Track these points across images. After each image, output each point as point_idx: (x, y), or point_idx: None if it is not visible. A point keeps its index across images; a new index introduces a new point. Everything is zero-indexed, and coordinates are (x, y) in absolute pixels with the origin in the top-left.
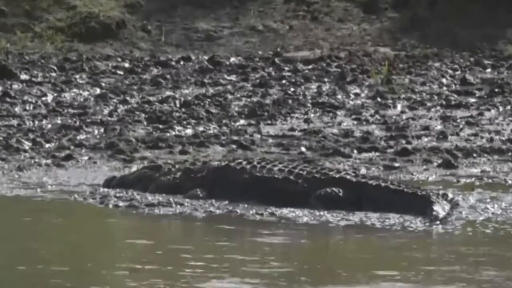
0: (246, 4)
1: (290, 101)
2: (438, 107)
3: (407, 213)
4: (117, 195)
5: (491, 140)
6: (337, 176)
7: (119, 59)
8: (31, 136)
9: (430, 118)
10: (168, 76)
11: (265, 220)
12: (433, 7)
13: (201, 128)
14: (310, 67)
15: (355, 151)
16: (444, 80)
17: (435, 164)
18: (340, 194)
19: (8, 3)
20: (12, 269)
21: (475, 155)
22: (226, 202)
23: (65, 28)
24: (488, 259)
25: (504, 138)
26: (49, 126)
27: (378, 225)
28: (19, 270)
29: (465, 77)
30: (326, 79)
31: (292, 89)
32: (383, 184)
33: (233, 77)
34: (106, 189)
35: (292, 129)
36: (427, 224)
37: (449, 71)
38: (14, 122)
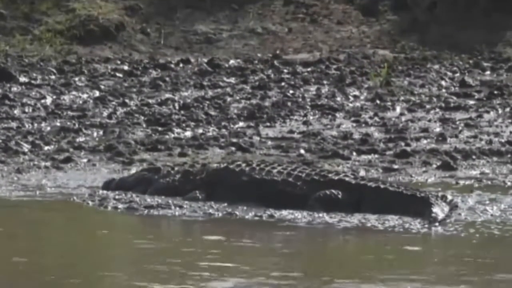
0: (245, 7)
1: (289, 104)
2: (437, 109)
3: (406, 215)
4: (116, 197)
5: (490, 142)
6: (336, 178)
7: (118, 62)
8: (30, 138)
9: (429, 120)
10: (167, 79)
11: (264, 222)
12: (432, 10)
13: (200, 131)
14: (309, 69)
15: (354, 153)
16: (443, 82)
17: (434, 166)
18: (339, 196)
19: (7, 6)
20: (11, 270)
21: (474, 157)
22: (225, 204)
23: (64, 31)
24: (487, 260)
25: (503, 140)
26: (48, 128)
27: (377, 227)
28: (18, 271)
29: (464, 79)
30: (325, 82)
31: (291, 92)
32: (382, 186)
33: (232, 80)
34: (105, 191)
35: (291, 131)
36: (426, 226)
37: (448, 73)
38: (13, 124)
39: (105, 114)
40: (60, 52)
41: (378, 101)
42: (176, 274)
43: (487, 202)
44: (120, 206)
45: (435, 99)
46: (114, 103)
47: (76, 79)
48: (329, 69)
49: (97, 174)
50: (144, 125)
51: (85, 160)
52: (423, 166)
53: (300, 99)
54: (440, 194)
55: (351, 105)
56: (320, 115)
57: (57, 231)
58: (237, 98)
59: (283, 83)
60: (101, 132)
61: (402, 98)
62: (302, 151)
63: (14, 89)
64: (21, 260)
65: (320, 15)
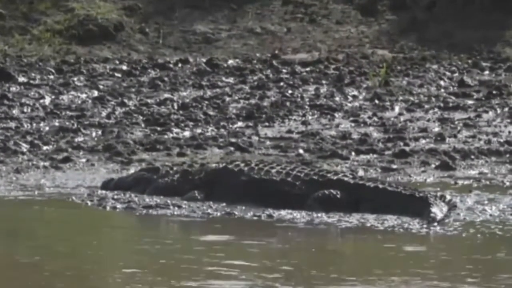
0: (244, 7)
1: (288, 103)
2: (436, 109)
3: (405, 215)
4: (115, 197)
5: (489, 142)
6: (334, 178)
7: (117, 62)
8: (29, 138)
9: (428, 120)
10: (166, 79)
11: (263, 222)
12: (431, 10)
13: (199, 130)
14: (308, 69)
15: (353, 153)
16: (442, 82)
17: (433, 166)
18: (338, 196)
19: (6, 6)
20: (8, 269)
21: (473, 157)
22: (224, 204)
23: (63, 31)
24: (486, 260)
25: (501, 140)
26: (47, 128)
27: (376, 227)
28: (16, 271)
29: (463, 79)
30: (324, 81)
31: (290, 91)
32: (380, 186)
33: (231, 80)
34: (104, 191)
35: (290, 131)
36: (425, 225)
37: (447, 73)
38: (12, 124)
39: (103, 114)
40: (59, 52)
41: (376, 101)
42: (174, 274)
43: (486, 202)
44: (119, 206)
45: (433, 99)
46: (112, 103)
47: (75, 79)
48: (328, 69)
49: (96, 174)
50: (143, 125)
51: (83, 160)
52: (421, 166)
53: (298, 99)
54: (439, 194)
55: (349, 105)
56: (319, 115)
57: (55, 231)
58: (236, 98)
59: (281, 83)
60: (99, 132)
61: (400, 98)
62: (301, 151)
63: (13, 89)
64: (18, 260)
65: (319, 15)
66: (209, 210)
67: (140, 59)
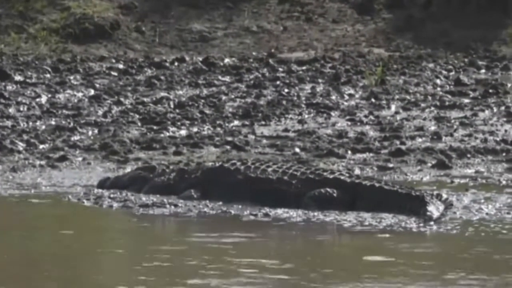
0: (240, 5)
1: (284, 102)
2: (432, 108)
3: (401, 213)
4: (111, 196)
5: (485, 140)
6: (331, 176)
7: (113, 60)
8: (25, 137)
9: (424, 119)
10: (162, 77)
11: (259, 220)
12: (427, 8)
13: (195, 129)
14: (304, 68)
15: (349, 152)
16: (438, 81)
17: (429, 164)
18: (334, 194)
19: (2, 4)
20: (5, 269)
21: (469, 155)
22: (220, 202)
23: (59, 29)
24: (482, 258)
25: (498, 139)
26: (43, 127)
27: (373, 226)
28: (13, 270)
29: (459, 77)
30: (320, 80)
31: (286, 90)
32: (377, 185)
33: (227, 78)
34: (100, 190)
35: (286, 130)
36: (421, 224)
37: (443, 72)
38: (8, 123)
39: (100, 112)
40: (55, 50)
41: (373, 100)
42: (171, 273)
43: (482, 200)
44: (115, 204)
45: (430, 98)
46: (109, 101)
47: (71, 77)
48: (324, 68)
49: (92, 173)
50: (139, 124)
51: (80, 159)
52: (418, 165)
53: (295, 98)
54: (435, 192)
55: (346, 103)
56: (315, 113)
57: (51, 229)
58: (232, 96)
59: (278, 82)
60: (96, 131)
61: (397, 96)
62: (297, 150)
63: (9, 87)
64: (14, 260)
65: (315, 13)
66: (205, 209)
67: (136, 58)
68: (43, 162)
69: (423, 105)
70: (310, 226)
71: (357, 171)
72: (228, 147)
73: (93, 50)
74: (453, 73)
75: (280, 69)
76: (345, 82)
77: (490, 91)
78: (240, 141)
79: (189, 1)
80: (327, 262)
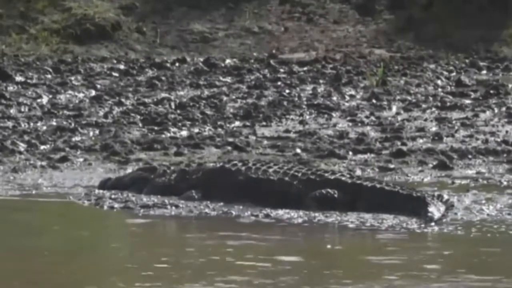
0: (241, 6)
1: (285, 103)
2: (433, 109)
3: (402, 214)
4: (112, 196)
5: (486, 141)
6: (332, 177)
7: (114, 61)
8: (26, 138)
9: (425, 120)
10: (163, 78)
11: (260, 221)
12: (428, 9)
13: (196, 130)
14: (305, 68)
15: (350, 153)
16: (439, 82)
17: (430, 165)
18: (335, 195)
19: (3, 5)
20: (5, 269)
21: (470, 156)
22: (221, 203)
23: (60, 30)
24: (483, 259)
25: (499, 140)
26: (44, 128)
27: (374, 226)
28: (13, 270)
29: (460, 78)
30: (321, 81)
31: (287, 91)
32: (378, 186)
33: (228, 79)
34: (101, 191)
35: (287, 131)
36: (422, 225)
37: (444, 72)
38: (9, 124)
39: (101, 113)
40: (56, 51)
41: (374, 101)
42: (171, 274)
43: (483, 201)
44: (116, 205)
45: (431, 99)
46: (110, 102)
47: (72, 78)
48: (325, 69)
49: (93, 174)
50: (140, 125)
51: (81, 160)
52: (419, 166)
53: (296, 99)
54: (436, 193)
55: (347, 104)
56: (316, 114)
57: (52, 230)
58: (233, 97)
59: (279, 83)
60: (97, 132)
61: (398, 97)
62: (298, 151)
63: (10, 88)
64: (15, 260)
65: (316, 14)
66: (207, 210)
67: (137, 59)
68: (44, 163)
69: (424, 106)
70: (311, 227)
71: (358, 172)
72: (229, 147)
73: (94, 50)
74: (454, 74)
75: (281, 70)
76: (346, 83)
77: (491, 92)
78: (241, 141)
79: (190, 2)
80: (329, 263)
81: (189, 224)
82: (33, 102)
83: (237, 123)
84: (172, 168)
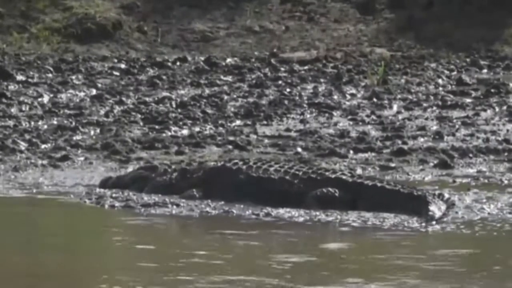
0: (242, 5)
1: (286, 102)
2: (434, 108)
3: (403, 213)
4: (113, 195)
5: (487, 140)
6: (333, 176)
7: (115, 60)
8: (27, 136)
9: (426, 119)
10: (164, 77)
11: (261, 220)
12: (429, 8)
13: (197, 129)
14: (306, 67)
15: (351, 152)
16: (440, 81)
17: (431, 164)
18: (336, 194)
19: (4, 4)
20: (8, 269)
21: (471, 155)
22: (222, 202)
23: (61, 29)
24: (484, 258)
25: (500, 139)
26: (45, 126)
27: (375, 225)
28: (15, 270)
29: (461, 77)
30: (322, 80)
31: (288, 90)
32: (379, 184)
33: (229, 78)
34: (102, 190)
35: (288, 130)
36: (423, 224)
37: (445, 71)
38: (10, 122)
39: (102, 112)
40: (57, 50)
41: (375, 99)
42: (172, 273)
43: (484, 200)
44: (117, 204)
45: (432, 97)
46: (111, 101)
47: (73, 77)
48: (326, 68)
49: (94, 172)
50: (141, 123)
51: (82, 158)
52: (420, 164)
53: (297, 98)
54: (437, 192)
55: (348, 103)
56: (317, 113)
57: (53, 229)
58: (234, 96)
59: (280, 82)
60: (98, 130)
61: (399, 96)
62: (299, 149)
63: (11, 87)
64: (16, 260)
65: (317, 13)
66: (208, 209)
67: (138, 58)
68: (45, 162)
69: (425, 104)
70: (312, 225)
71: (359, 171)
72: (230, 146)
73: (95, 50)
74: (455, 72)
75: (282, 69)
76: (347, 82)
77: (492, 90)
78: (242, 140)
79: (191, 1)
80: (330, 263)
81: (190, 223)
82: (34, 101)
83: (238, 122)
84: (173, 167)
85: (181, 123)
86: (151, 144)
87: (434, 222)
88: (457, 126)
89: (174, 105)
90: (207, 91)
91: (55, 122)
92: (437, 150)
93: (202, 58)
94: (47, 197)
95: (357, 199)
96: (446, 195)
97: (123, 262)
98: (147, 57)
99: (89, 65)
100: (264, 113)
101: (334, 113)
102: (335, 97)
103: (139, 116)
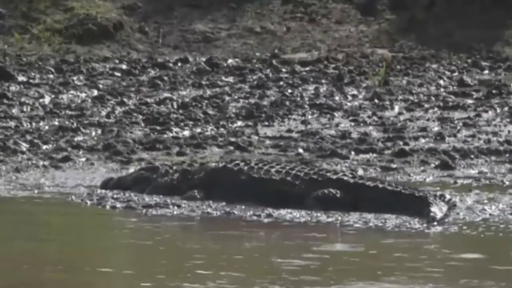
0: (244, 6)
1: (287, 103)
2: (436, 109)
3: (404, 214)
4: (115, 196)
5: (488, 141)
6: (334, 177)
7: (117, 61)
8: (28, 137)
9: (428, 120)
10: (165, 78)
11: (263, 221)
12: (430, 9)
13: (198, 130)
14: (307, 68)
15: (353, 153)
16: (441, 82)
17: (433, 165)
18: (337, 195)
19: (5, 5)
20: (10, 269)
21: (472, 156)
22: (224, 203)
23: (63, 30)
24: (486, 259)
25: (501, 140)
26: (47, 127)
27: (376, 226)
28: (14, 271)
29: (463, 78)
30: (323, 81)
31: (289, 91)
32: (380, 185)
33: (230, 79)
34: (103, 191)
35: (289, 131)
36: (425, 225)
37: (447, 72)
38: (12, 123)
39: (103, 113)
40: (59, 51)
41: (376, 100)
42: (173, 273)
43: (486, 201)
44: (118, 205)
45: (433, 98)
46: (112, 102)
47: (75, 78)
48: (328, 68)
49: (96, 173)
50: (143, 124)
51: (83, 159)
52: (421, 165)
53: (298, 98)
54: (438, 193)
55: (349, 104)
56: (319, 114)
57: (54, 230)
58: (236, 97)
59: (281, 82)
60: (99, 131)
61: (400, 97)
62: (300, 150)
63: (13, 88)
64: (18, 261)
65: (319, 14)
66: (209, 210)
67: (139, 58)
68: (46, 163)
69: (426, 105)
70: (314, 226)
71: (360, 172)
72: (232, 147)
73: (97, 50)
74: (456, 73)
75: (284, 70)
76: (349, 83)
77: (494, 91)
78: (244, 141)
79: (193, 1)
80: (332, 263)
81: (191, 224)
82: (35, 102)
83: (239, 123)
84: (174, 168)
85: (182, 124)
86: (152, 145)
87: (435, 223)
88: (458, 127)
89: (175, 106)
90: (208, 92)
91: (56, 123)
92: (438, 151)
93: (204, 59)
94: (49, 198)
95: (359, 200)
96: (448, 196)
97: (124, 263)
98: (148, 58)
99: (90, 66)
100: (265, 114)
101: (336, 114)
102: (337, 98)
103: (141, 117)
